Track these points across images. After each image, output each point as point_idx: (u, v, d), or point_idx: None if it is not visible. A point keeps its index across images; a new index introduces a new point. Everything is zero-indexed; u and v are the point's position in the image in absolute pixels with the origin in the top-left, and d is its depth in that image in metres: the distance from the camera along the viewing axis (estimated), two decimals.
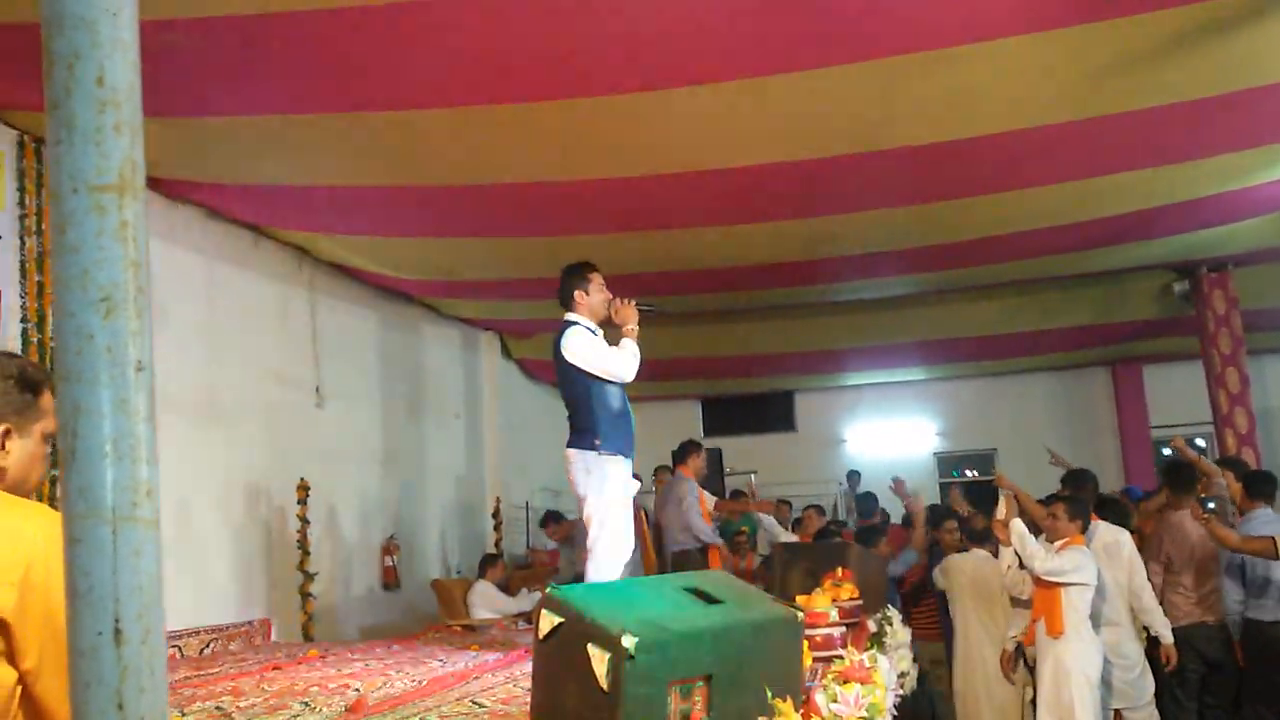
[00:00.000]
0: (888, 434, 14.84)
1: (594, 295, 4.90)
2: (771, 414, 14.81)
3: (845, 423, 15.19)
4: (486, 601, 8.19)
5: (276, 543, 7.42)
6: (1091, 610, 5.65)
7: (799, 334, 12.09)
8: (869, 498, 10.03)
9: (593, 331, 4.84)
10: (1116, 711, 5.86)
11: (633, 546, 4.87)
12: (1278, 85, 5.85)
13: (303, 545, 7.40)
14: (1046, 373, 14.33)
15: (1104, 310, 11.67)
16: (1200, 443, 10.70)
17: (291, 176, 6.60)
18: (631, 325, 4.83)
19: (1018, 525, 5.74)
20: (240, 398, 7.21)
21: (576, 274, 4.95)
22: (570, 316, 4.90)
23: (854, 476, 12.40)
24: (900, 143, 6.31)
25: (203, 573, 6.61)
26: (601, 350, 4.75)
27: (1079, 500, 6.01)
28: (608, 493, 4.66)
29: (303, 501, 7.43)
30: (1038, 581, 5.67)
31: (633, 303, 4.89)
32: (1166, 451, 14.15)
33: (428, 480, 9.94)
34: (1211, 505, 6.54)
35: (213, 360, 6.96)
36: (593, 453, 4.66)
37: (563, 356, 4.79)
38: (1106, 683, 5.71)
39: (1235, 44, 5.32)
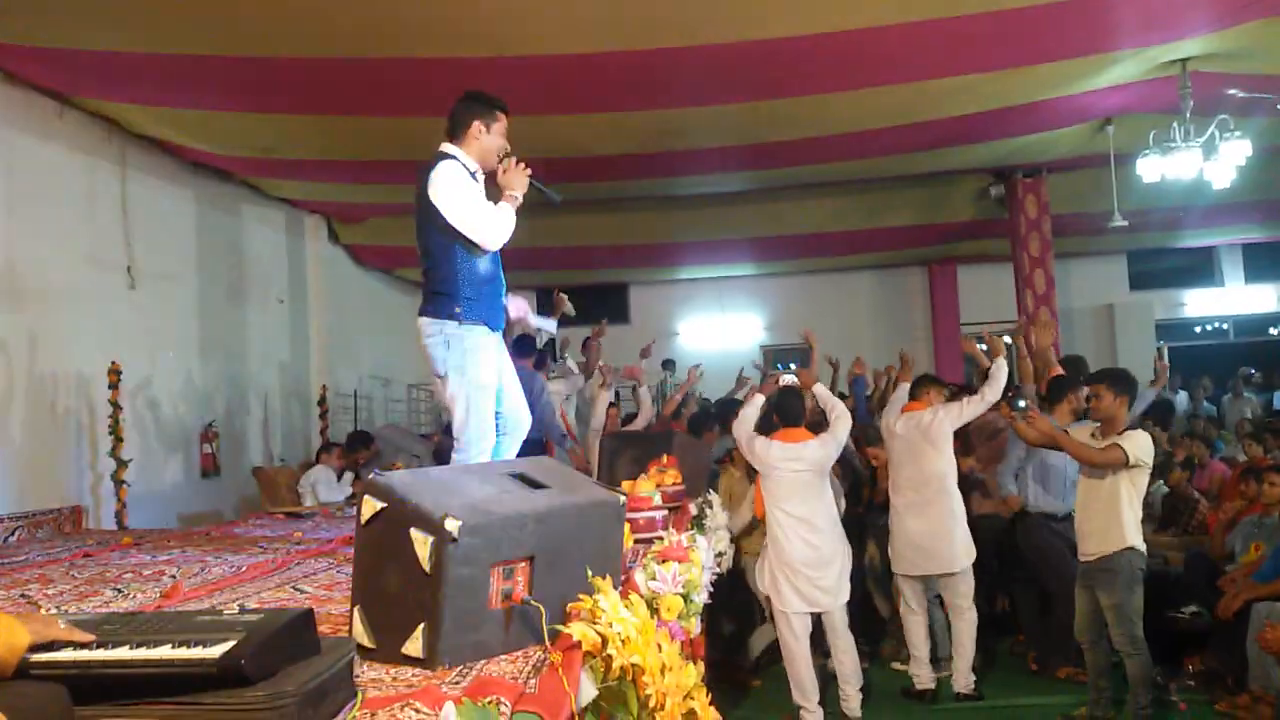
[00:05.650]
0: (718, 327, 15.21)
1: (494, 137, 3.99)
2: (606, 306, 14.88)
3: (678, 315, 15.48)
4: (323, 485, 8.13)
5: (88, 428, 7.11)
6: None
7: (635, 227, 12.17)
8: None
9: (471, 174, 3.94)
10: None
11: (491, 434, 4.04)
12: None
13: (115, 431, 7.10)
14: (869, 270, 14.90)
15: (924, 211, 12.14)
16: (1007, 340, 11.17)
17: (101, 41, 6.14)
18: (516, 192, 3.95)
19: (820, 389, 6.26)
20: (45, 277, 6.81)
21: (483, 104, 4.02)
22: (449, 148, 3.96)
23: (669, 364, 13.51)
24: (737, 37, 6.32)
25: (6, 459, 6.30)
26: (475, 197, 3.88)
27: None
28: (471, 371, 3.92)
29: (114, 386, 7.10)
30: None
31: (528, 172, 3.98)
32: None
33: (249, 367, 9.64)
34: (1023, 404, 6.71)
35: (13, 238, 6.53)
36: (452, 323, 3.89)
37: (427, 194, 3.86)
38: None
39: None
